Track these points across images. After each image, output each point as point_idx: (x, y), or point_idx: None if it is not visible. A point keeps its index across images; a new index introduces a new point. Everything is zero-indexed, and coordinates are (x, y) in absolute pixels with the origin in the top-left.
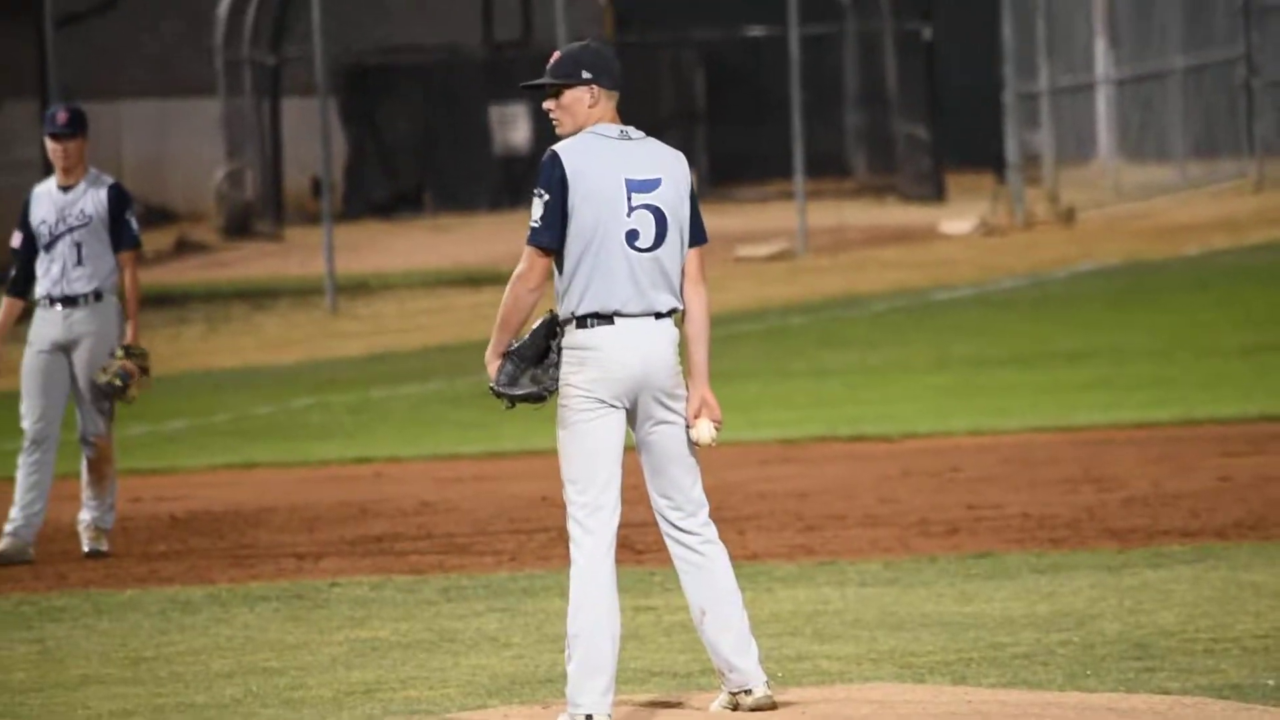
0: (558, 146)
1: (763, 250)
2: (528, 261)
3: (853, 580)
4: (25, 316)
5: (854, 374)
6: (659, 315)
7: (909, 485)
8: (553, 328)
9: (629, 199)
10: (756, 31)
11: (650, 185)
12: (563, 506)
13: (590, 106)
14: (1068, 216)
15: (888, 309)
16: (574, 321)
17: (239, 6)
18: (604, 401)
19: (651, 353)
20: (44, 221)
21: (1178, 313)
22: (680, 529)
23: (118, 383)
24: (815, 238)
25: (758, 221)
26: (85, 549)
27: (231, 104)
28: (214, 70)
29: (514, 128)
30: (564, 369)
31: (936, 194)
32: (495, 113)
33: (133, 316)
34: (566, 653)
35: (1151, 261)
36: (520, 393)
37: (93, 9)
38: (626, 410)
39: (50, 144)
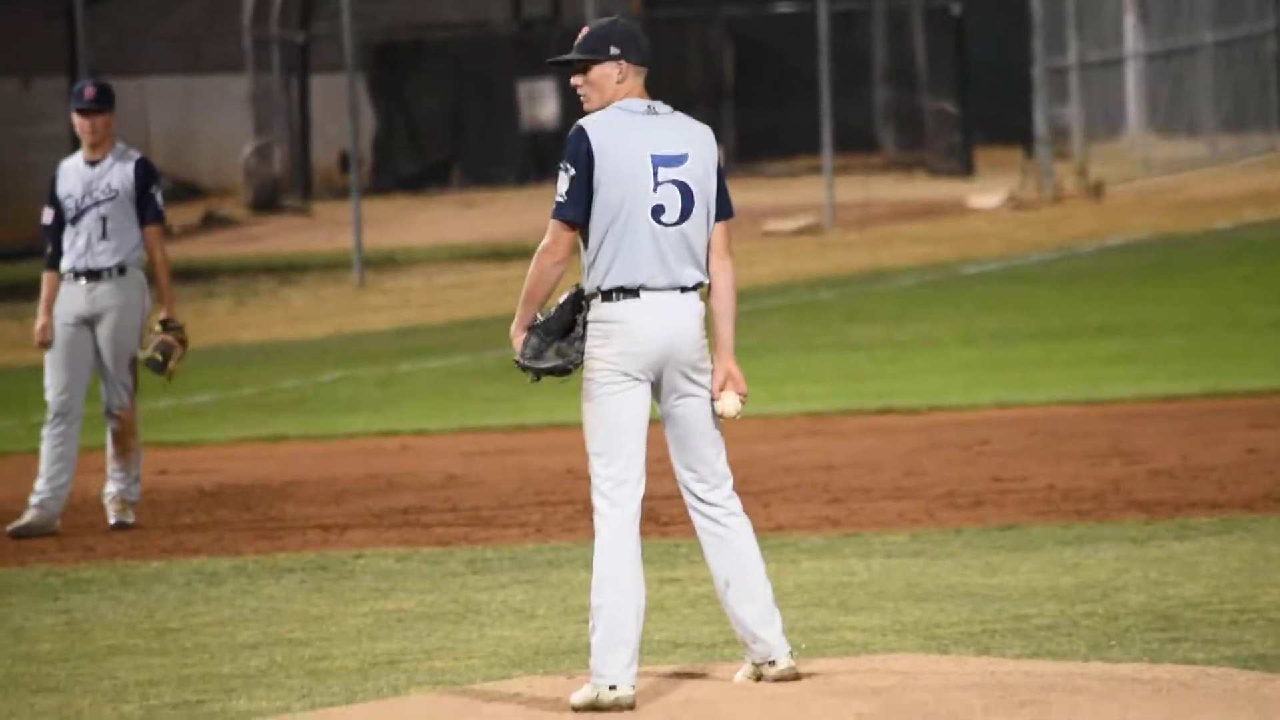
0: (584, 121)
1: (790, 225)
2: (553, 235)
3: (878, 552)
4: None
5: (881, 348)
6: (684, 289)
7: (936, 458)
8: (578, 301)
9: (655, 174)
10: (785, 8)
11: (677, 160)
12: (588, 479)
13: (618, 82)
14: (1096, 191)
15: (915, 283)
16: (599, 295)
17: None
18: (629, 375)
19: (677, 326)
20: (70, 195)
21: (1206, 286)
22: (705, 501)
23: (159, 357)
24: (843, 212)
25: (785, 196)
26: (111, 521)
27: (260, 80)
28: (242, 47)
29: (542, 104)
30: (589, 342)
31: (965, 169)
32: (523, 88)
33: (165, 290)
34: (590, 624)
35: (1180, 235)
36: (545, 366)
37: None
38: (651, 383)
39: (78, 119)
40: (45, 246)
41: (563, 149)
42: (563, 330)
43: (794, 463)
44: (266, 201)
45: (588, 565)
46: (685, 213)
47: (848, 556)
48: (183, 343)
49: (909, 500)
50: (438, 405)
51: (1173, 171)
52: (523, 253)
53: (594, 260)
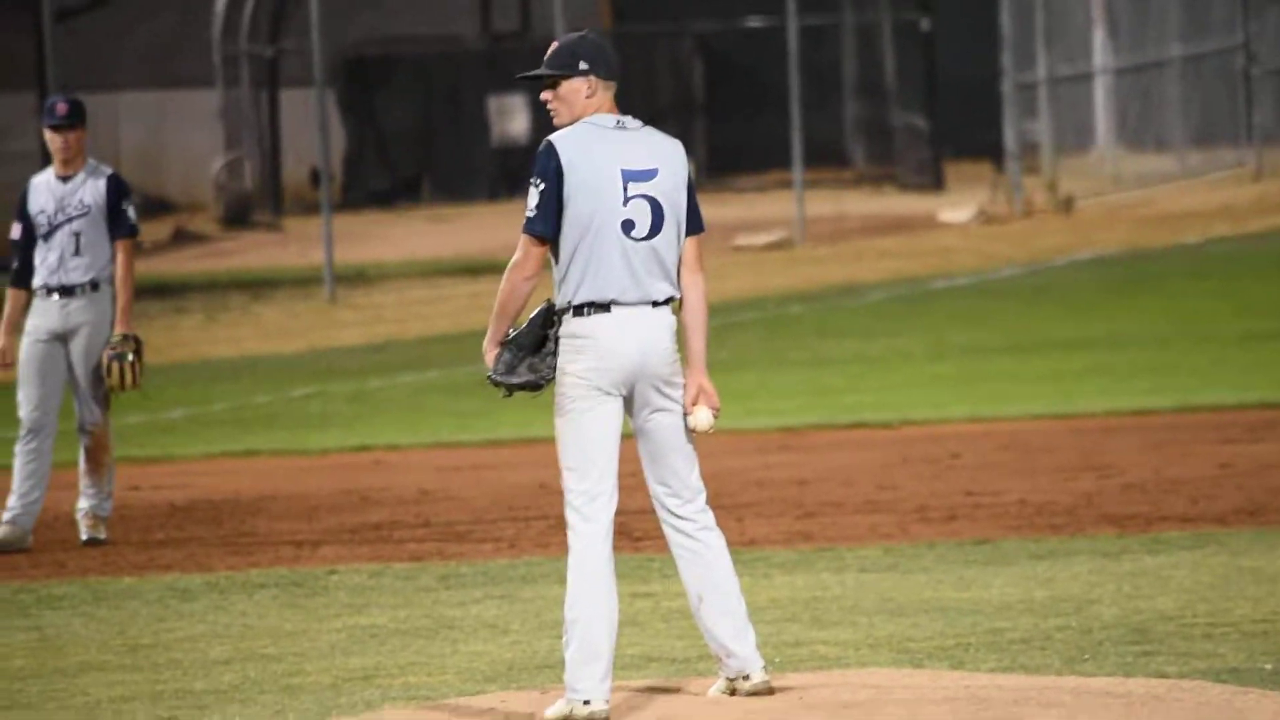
0: (553, 136)
1: (761, 239)
2: (523, 250)
3: (851, 566)
4: (27, 307)
5: (853, 362)
6: (655, 304)
7: (908, 472)
8: (549, 317)
9: (625, 189)
10: (755, 22)
11: (647, 175)
12: (560, 493)
13: (587, 97)
14: (1066, 205)
15: (886, 298)
16: (571, 310)
17: None
18: (601, 390)
19: (648, 341)
20: (42, 211)
21: (1177, 300)
22: (677, 516)
23: (109, 381)
24: (814, 227)
25: (756, 211)
26: (83, 537)
27: (229, 95)
28: (211, 62)
29: (512, 118)
30: (561, 358)
31: (935, 183)
32: (494, 103)
33: (123, 304)
34: (565, 639)
35: (1150, 250)
36: (518, 381)
37: (90, 2)
38: (624, 398)
39: (49, 135)
40: (11, 263)
41: (532, 164)
42: (534, 345)
43: (766, 477)
44: (237, 217)
45: (561, 580)
46: (655, 228)
47: (820, 571)
48: (123, 357)
49: (881, 514)
50: (410, 420)
51: (1142, 186)
52: (494, 268)
53: (565, 275)
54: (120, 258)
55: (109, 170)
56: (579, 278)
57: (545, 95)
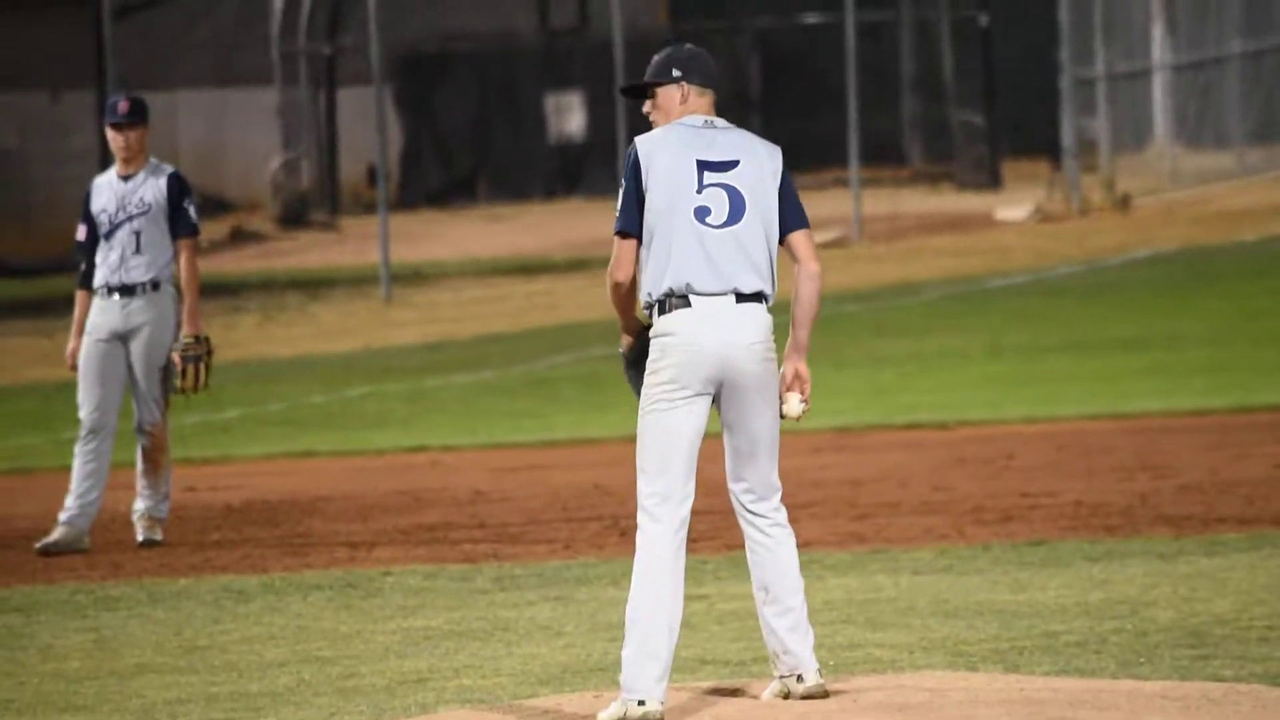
0: (639, 136)
1: (818, 237)
2: (615, 248)
3: (906, 568)
4: None
5: (909, 362)
6: (741, 296)
7: (963, 473)
8: (646, 333)
9: (700, 178)
10: (812, 19)
11: (725, 166)
12: (614, 495)
13: (681, 103)
14: (1124, 203)
15: (942, 296)
16: (655, 307)
17: None
18: (685, 390)
19: (731, 334)
20: (104, 210)
21: (1234, 299)
22: (752, 511)
23: (175, 383)
24: (870, 225)
25: (813, 208)
26: (140, 538)
27: (287, 94)
28: (270, 60)
29: (569, 116)
30: (649, 359)
31: (992, 181)
32: (550, 101)
33: (191, 306)
34: (626, 637)
35: (1208, 248)
36: (632, 384)
37: None
38: (713, 396)
39: (111, 133)
40: (79, 263)
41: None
42: (639, 359)
43: (821, 478)
44: (294, 216)
45: (615, 582)
46: (735, 216)
47: (875, 573)
48: (203, 359)
49: (936, 516)
50: (465, 421)
51: (1200, 184)
52: (549, 266)
53: (646, 267)
54: (184, 257)
55: (170, 169)
56: (657, 267)
57: (646, 107)
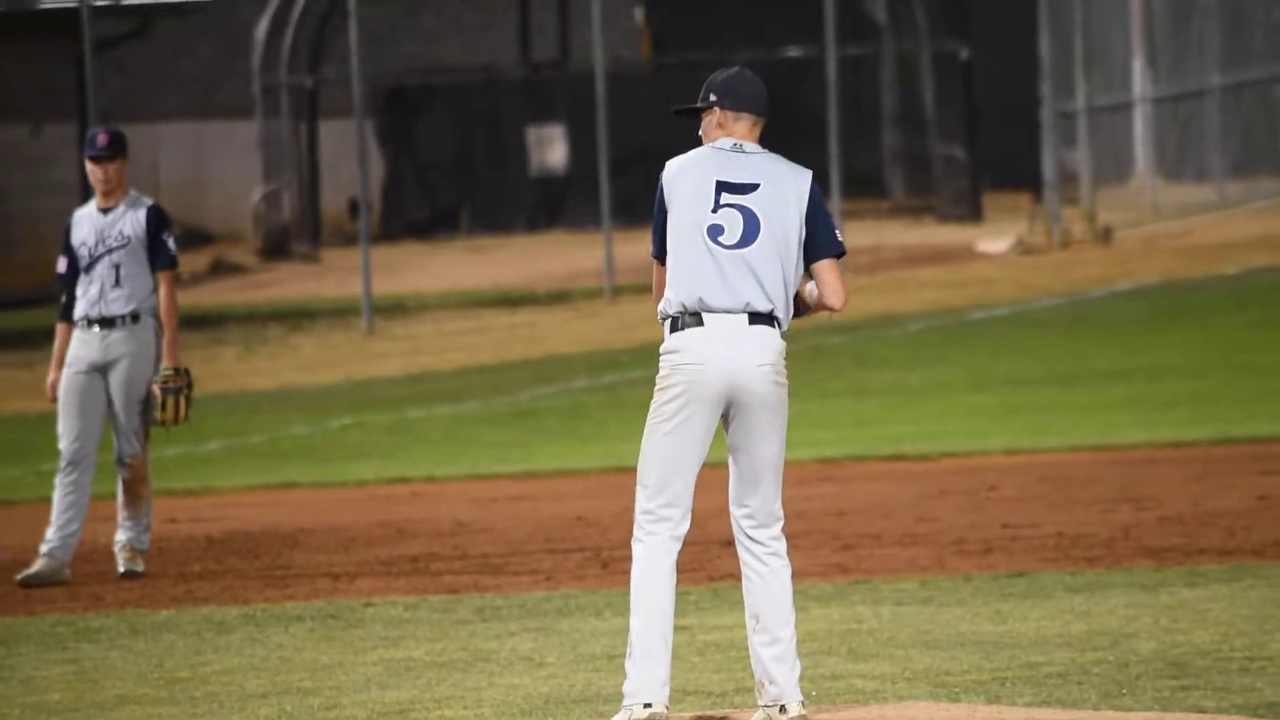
0: (670, 160)
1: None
2: (654, 272)
3: (888, 599)
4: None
5: (891, 393)
6: (753, 317)
7: (946, 504)
8: None
9: (717, 197)
10: (794, 52)
11: (745, 188)
12: (596, 526)
13: (717, 126)
14: (1105, 236)
15: (925, 328)
16: (669, 324)
17: (276, 29)
18: (691, 409)
19: (741, 354)
20: (84, 243)
21: (1215, 332)
22: (751, 537)
23: (155, 415)
24: (852, 257)
25: None
26: (121, 570)
27: (269, 126)
28: (251, 93)
29: (551, 148)
30: (658, 376)
31: (974, 214)
32: (532, 133)
33: (170, 336)
34: (628, 650)
35: (1189, 280)
36: None
37: (131, 32)
38: (721, 415)
39: (90, 166)
40: (59, 295)
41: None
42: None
43: (804, 509)
44: (276, 248)
45: (598, 613)
46: (748, 238)
47: (857, 604)
48: (181, 391)
49: (919, 547)
50: (447, 452)
51: (1181, 216)
52: (532, 298)
53: (664, 285)
54: (163, 290)
55: (149, 201)
56: (672, 283)
57: (702, 129)
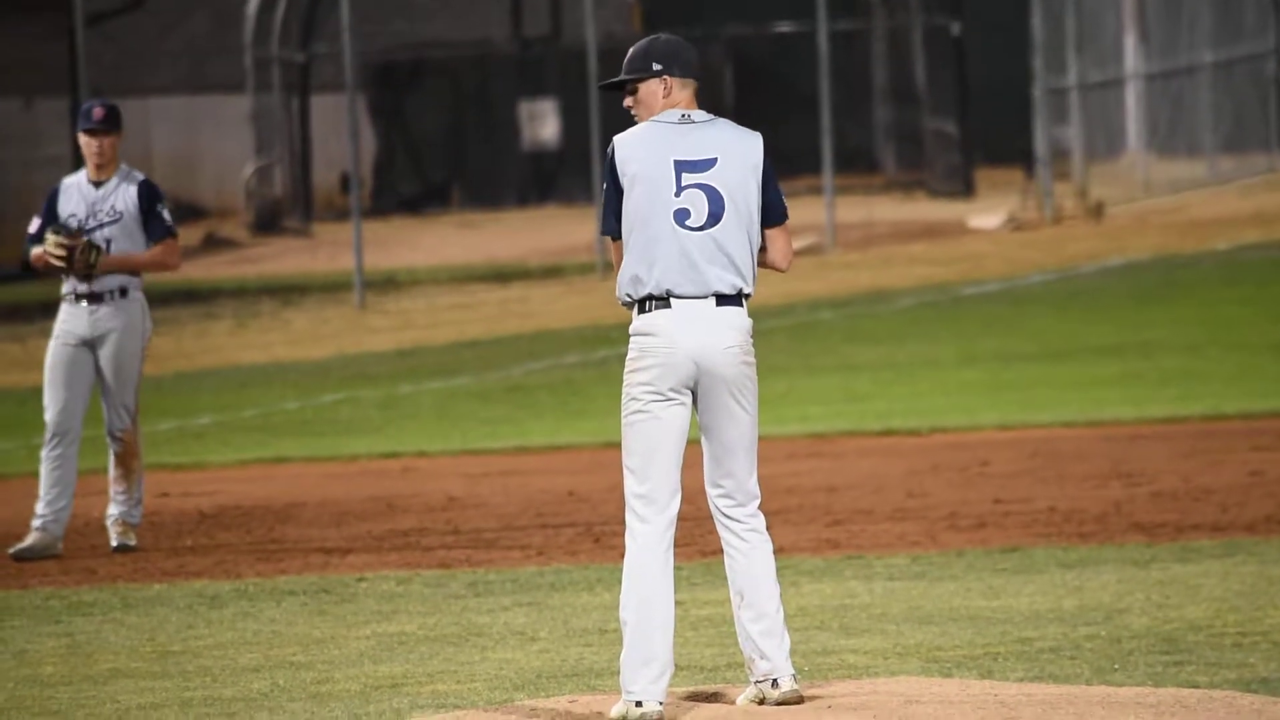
0: (616, 136)
1: (792, 245)
2: (611, 251)
3: (880, 574)
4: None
5: (882, 369)
6: (721, 299)
7: (937, 479)
8: None
9: (678, 179)
10: (785, 27)
11: (704, 165)
12: (588, 501)
13: (664, 97)
14: (1097, 211)
15: (916, 304)
16: (635, 306)
17: (268, 4)
18: (664, 393)
19: (710, 337)
20: (73, 215)
21: (1207, 307)
22: (729, 516)
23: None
24: (844, 233)
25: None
26: (113, 544)
27: (261, 101)
28: (243, 67)
29: (543, 123)
30: (628, 359)
31: (965, 189)
32: (524, 108)
33: (138, 259)
34: (624, 639)
35: (1181, 256)
36: None
37: (122, 6)
38: (692, 396)
39: (84, 139)
40: (27, 255)
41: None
42: None
43: (795, 484)
44: (267, 223)
45: (589, 588)
46: (714, 218)
47: (849, 579)
48: (88, 251)
49: (910, 522)
50: (439, 427)
51: (1173, 192)
52: (524, 273)
53: (625, 267)
54: (160, 249)
55: (141, 176)
56: (638, 269)
57: (628, 102)
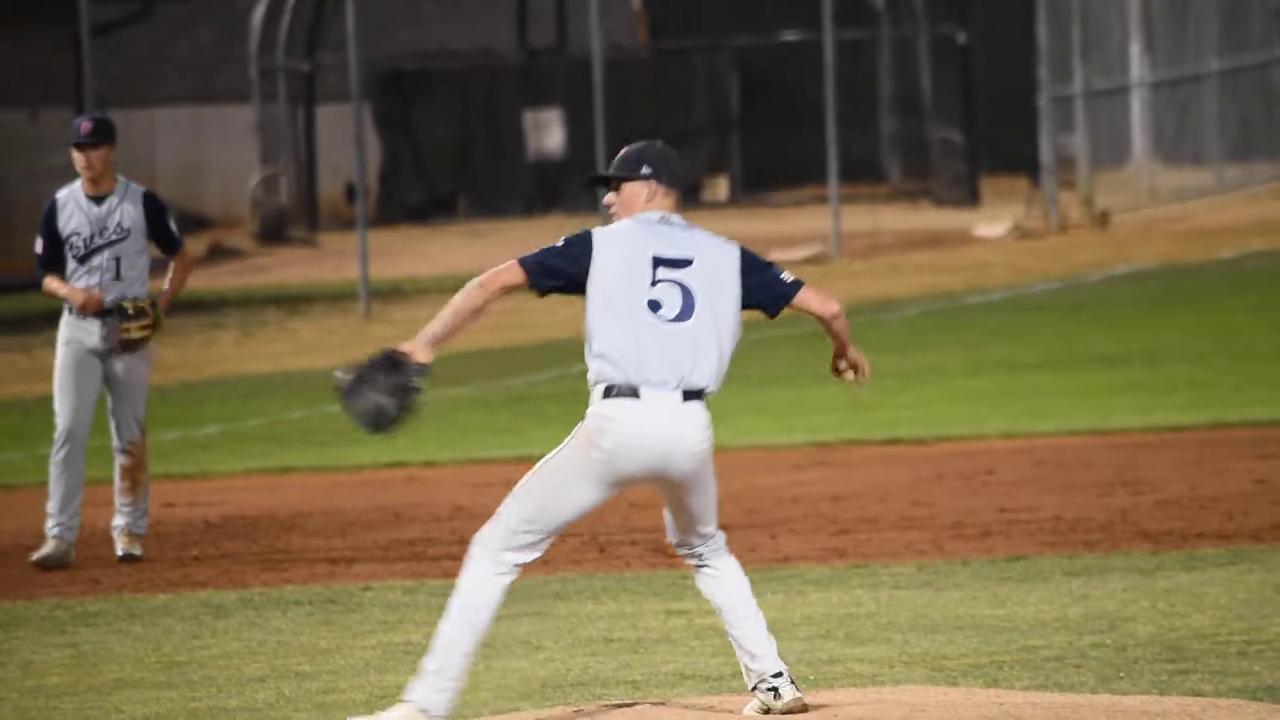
0: (596, 228)
1: (796, 254)
2: (505, 269)
3: (885, 583)
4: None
5: (888, 377)
6: (687, 395)
7: (943, 488)
8: (395, 361)
9: (654, 272)
10: (791, 37)
11: (680, 263)
12: (592, 511)
13: (646, 200)
14: (1102, 220)
15: (921, 313)
16: (601, 389)
17: (273, 14)
18: (612, 473)
19: (674, 435)
20: (77, 233)
21: (1212, 316)
22: (694, 553)
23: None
24: (849, 242)
25: (791, 226)
26: (119, 553)
27: (266, 110)
28: (248, 77)
29: (548, 133)
30: (588, 426)
31: (971, 198)
32: (529, 118)
33: (168, 295)
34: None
35: (1186, 265)
36: (359, 403)
37: (128, 17)
38: (637, 483)
39: (75, 153)
40: (41, 277)
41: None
42: (388, 383)
43: (801, 494)
44: (273, 232)
45: (594, 597)
46: (686, 312)
47: (855, 588)
48: (141, 318)
49: (916, 531)
50: (444, 436)
51: (1178, 200)
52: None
53: (595, 352)
54: (178, 268)
55: (141, 189)
56: (611, 355)
57: (609, 199)
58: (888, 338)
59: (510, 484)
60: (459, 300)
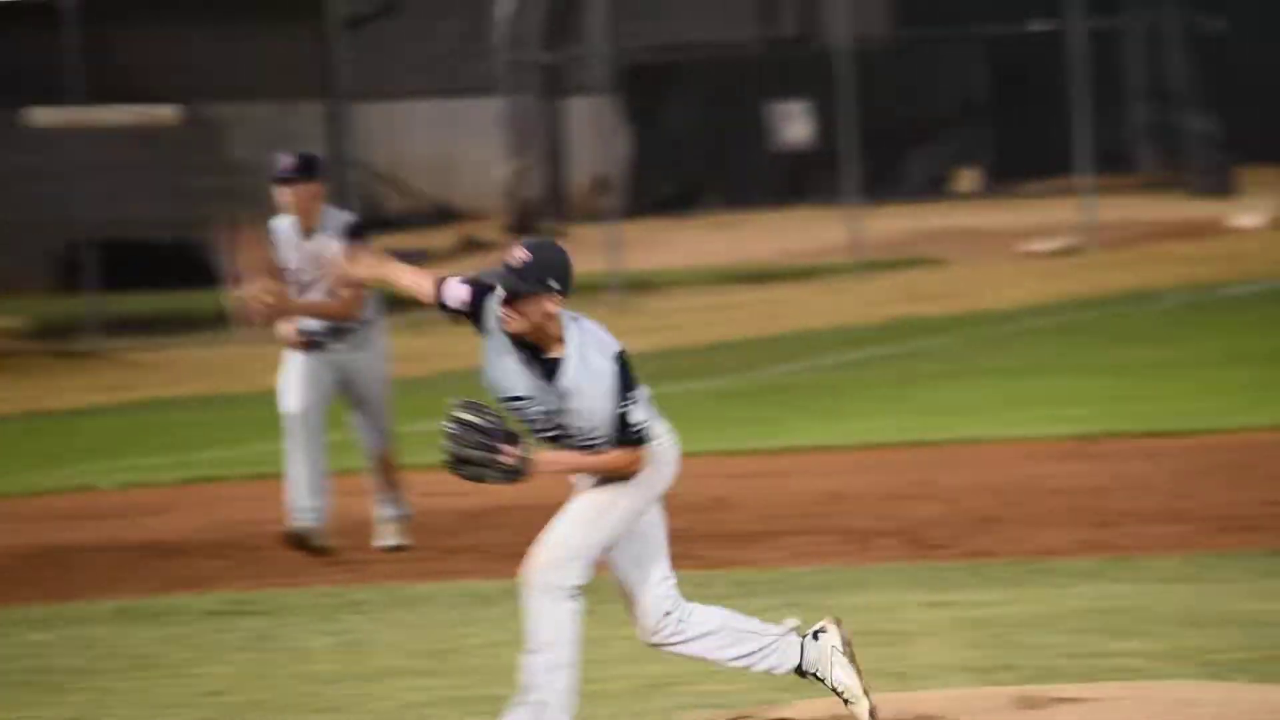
0: (616, 349)
1: (1049, 245)
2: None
3: (1149, 576)
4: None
5: (1147, 369)
6: None
7: (1205, 481)
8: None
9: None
10: (1038, 26)
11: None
12: (849, 502)
13: (546, 317)
14: None
15: (1180, 304)
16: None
17: (520, 8)
18: (658, 496)
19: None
20: (295, 269)
21: None
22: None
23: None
24: (1102, 232)
25: (1042, 216)
26: (385, 543)
27: (514, 103)
28: (495, 70)
29: (794, 123)
30: (659, 462)
31: (1225, 188)
32: (775, 109)
33: (308, 306)
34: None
35: None
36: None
37: (375, 11)
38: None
39: (277, 189)
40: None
41: (620, 380)
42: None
43: (1061, 486)
44: (523, 224)
45: (857, 588)
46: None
47: (1119, 581)
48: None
49: (1180, 524)
50: (702, 429)
51: None
52: (779, 275)
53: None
54: (336, 291)
55: (346, 218)
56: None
57: (503, 309)
58: (1146, 328)
59: (768, 475)
60: (606, 462)
